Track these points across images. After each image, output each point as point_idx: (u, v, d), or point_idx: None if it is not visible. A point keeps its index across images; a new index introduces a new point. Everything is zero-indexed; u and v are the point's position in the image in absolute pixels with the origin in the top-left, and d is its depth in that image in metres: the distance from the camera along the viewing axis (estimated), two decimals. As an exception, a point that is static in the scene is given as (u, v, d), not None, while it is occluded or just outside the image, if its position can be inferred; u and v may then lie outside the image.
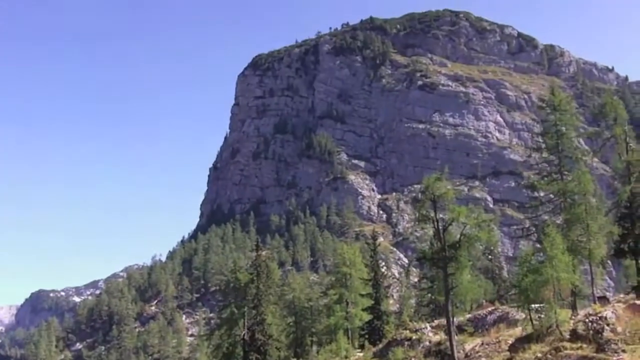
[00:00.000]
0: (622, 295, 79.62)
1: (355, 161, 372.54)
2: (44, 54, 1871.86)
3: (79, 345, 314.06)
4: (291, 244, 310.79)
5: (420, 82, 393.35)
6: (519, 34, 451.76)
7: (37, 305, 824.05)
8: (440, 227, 69.06)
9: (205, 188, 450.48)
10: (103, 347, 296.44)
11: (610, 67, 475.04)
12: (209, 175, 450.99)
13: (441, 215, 69.77)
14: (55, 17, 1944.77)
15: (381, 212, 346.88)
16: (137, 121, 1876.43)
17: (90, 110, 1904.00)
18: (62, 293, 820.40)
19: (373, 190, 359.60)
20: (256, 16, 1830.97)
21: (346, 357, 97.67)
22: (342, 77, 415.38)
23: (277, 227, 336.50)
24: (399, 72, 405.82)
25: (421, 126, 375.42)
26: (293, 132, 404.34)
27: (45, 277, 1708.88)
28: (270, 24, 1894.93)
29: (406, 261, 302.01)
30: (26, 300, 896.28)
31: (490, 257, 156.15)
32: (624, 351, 48.23)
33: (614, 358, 47.33)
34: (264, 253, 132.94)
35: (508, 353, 60.24)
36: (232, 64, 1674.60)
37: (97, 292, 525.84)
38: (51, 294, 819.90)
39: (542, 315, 59.05)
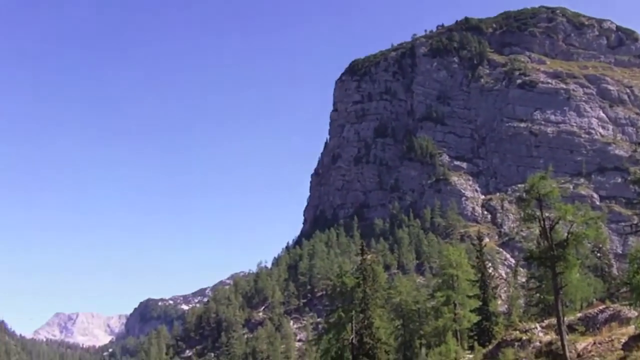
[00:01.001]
0: None
1: (457, 162, 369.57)
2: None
3: (188, 353, 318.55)
4: (396, 247, 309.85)
5: (519, 81, 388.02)
6: (618, 28, 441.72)
7: (146, 314, 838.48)
8: (547, 226, 68.50)
9: (308, 194, 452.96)
10: (212, 354, 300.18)
11: None
12: (311, 182, 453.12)
13: (547, 214, 69.19)
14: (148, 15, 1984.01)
15: (485, 212, 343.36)
16: (240, 131, 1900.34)
17: (191, 120, 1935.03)
18: (170, 301, 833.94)
19: (476, 191, 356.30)
20: (352, 22, 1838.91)
21: (455, 359, 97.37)
22: (439, 78, 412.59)
23: (381, 231, 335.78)
24: (497, 72, 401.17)
25: (522, 125, 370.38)
26: (393, 135, 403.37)
27: (153, 287, 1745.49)
28: (366, 29, 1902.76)
29: (513, 261, 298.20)
30: (135, 309, 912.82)
31: (599, 254, 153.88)
32: None
33: None
34: (369, 257, 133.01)
35: (622, 352, 59.44)
36: (330, 70, 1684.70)
37: (205, 299, 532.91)
38: (159, 303, 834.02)
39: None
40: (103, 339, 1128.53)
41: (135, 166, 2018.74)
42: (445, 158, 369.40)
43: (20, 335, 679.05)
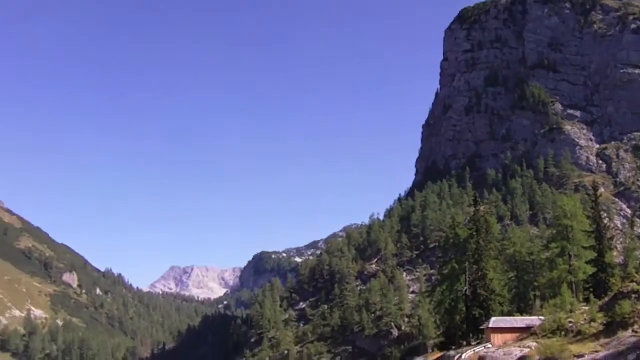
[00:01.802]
0: None
1: (571, 111, 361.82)
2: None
3: (302, 305, 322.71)
4: (509, 198, 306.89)
5: (633, 26, 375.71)
6: None
7: (260, 267, 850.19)
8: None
9: (420, 145, 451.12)
10: (326, 306, 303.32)
11: None
12: (422, 133, 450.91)
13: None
14: None
15: (600, 162, 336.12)
16: (352, 83, 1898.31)
17: (309, 72, 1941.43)
18: (284, 254, 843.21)
19: (591, 140, 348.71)
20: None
21: (571, 311, 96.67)
22: (551, 25, 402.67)
23: (494, 182, 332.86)
24: (611, 17, 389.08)
25: (637, 71, 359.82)
26: (505, 84, 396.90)
27: (267, 240, 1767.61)
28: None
29: (629, 212, 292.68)
30: (249, 262, 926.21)
31: None
32: None
33: None
34: (482, 208, 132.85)
35: None
36: (439, 20, 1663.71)
37: (318, 252, 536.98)
38: (273, 256, 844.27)
39: None
40: (218, 291, 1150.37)
41: (248, 121, 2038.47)
42: (559, 107, 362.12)
43: (138, 288, 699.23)
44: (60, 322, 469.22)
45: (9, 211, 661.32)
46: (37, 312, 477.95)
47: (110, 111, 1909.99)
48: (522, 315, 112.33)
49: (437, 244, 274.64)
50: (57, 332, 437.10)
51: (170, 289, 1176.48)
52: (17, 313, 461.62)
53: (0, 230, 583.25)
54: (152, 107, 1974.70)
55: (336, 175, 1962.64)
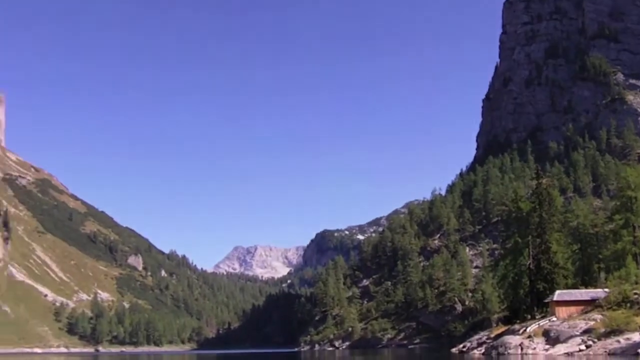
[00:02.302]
0: None
1: (633, 81, 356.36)
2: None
3: (365, 282, 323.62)
4: (571, 170, 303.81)
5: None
6: None
7: (322, 245, 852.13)
8: None
9: (480, 119, 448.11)
10: (389, 282, 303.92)
11: None
12: (482, 107, 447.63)
13: None
14: None
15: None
16: (410, 56, 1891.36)
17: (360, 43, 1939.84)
18: (346, 232, 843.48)
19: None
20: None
21: (636, 282, 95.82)
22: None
23: (556, 154, 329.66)
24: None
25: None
26: (565, 55, 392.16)
27: (329, 218, 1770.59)
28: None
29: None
30: (312, 240, 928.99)
31: None
32: None
33: None
34: (544, 181, 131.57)
35: None
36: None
37: (380, 229, 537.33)
38: (335, 234, 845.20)
39: None
40: (281, 270, 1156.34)
41: (306, 98, 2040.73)
42: (620, 77, 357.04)
43: (202, 269, 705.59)
44: (126, 304, 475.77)
45: (73, 196, 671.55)
46: (104, 295, 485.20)
47: (169, 91, 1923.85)
48: (586, 287, 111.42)
49: (499, 218, 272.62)
50: (124, 314, 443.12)
51: (234, 269, 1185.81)
52: (84, 296, 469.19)
53: (65, 215, 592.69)
54: (209, 84, 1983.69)
55: (397, 151, 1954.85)
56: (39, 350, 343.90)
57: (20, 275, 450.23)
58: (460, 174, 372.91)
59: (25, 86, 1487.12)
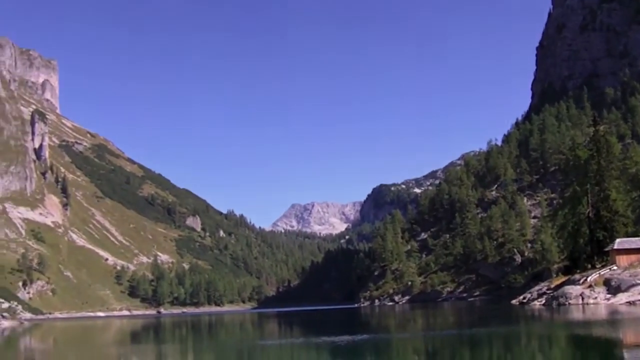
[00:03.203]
0: None
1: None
2: None
3: (423, 235, 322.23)
4: (629, 116, 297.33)
5: None
6: None
7: (379, 200, 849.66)
8: None
9: (534, 67, 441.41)
10: (447, 235, 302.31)
11: None
12: (536, 54, 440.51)
13: None
14: None
15: None
16: (461, 5, 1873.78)
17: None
18: (403, 186, 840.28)
19: None
20: None
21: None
22: None
23: (613, 100, 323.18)
24: None
25: None
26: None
27: (385, 172, 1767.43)
28: None
29: None
30: (369, 195, 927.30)
31: None
32: None
33: None
34: (602, 128, 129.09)
35: None
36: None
37: (437, 181, 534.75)
38: (392, 188, 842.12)
39: None
40: (339, 226, 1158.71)
41: (356, 58, 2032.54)
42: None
43: (260, 227, 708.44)
44: (186, 266, 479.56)
45: (130, 160, 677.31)
46: (164, 257, 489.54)
47: (221, 55, 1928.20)
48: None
49: (557, 167, 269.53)
50: (184, 275, 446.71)
51: (292, 226, 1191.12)
52: (144, 259, 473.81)
53: (122, 179, 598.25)
54: (256, 50, 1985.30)
55: (451, 102, 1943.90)
56: (101, 314, 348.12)
57: (80, 241, 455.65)
58: (516, 124, 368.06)
59: (78, 52, 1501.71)
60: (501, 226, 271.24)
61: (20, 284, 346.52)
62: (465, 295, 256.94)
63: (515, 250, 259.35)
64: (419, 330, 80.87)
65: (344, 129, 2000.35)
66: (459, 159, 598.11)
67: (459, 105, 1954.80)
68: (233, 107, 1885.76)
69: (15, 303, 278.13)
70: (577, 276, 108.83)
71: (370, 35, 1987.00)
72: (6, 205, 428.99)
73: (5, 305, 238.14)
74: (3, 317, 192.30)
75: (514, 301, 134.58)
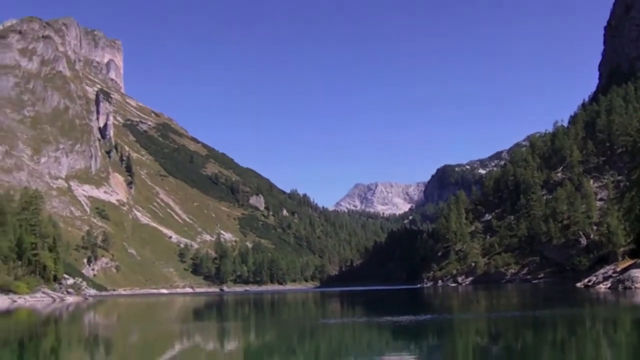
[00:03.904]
0: None
1: None
2: None
3: (487, 216, 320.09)
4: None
5: None
6: None
7: (443, 180, 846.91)
8: None
9: (602, 48, 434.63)
10: (512, 217, 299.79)
11: None
12: (604, 35, 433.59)
13: None
14: None
15: None
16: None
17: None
18: (467, 166, 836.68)
19: None
20: None
21: None
22: None
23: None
24: None
25: None
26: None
27: (450, 152, 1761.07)
28: None
29: None
30: (433, 176, 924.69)
31: None
32: None
33: None
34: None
35: None
36: None
37: (502, 162, 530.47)
38: (456, 169, 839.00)
39: None
40: (402, 207, 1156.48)
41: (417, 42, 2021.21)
42: None
43: (323, 207, 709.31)
44: (249, 244, 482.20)
45: (194, 139, 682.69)
46: (227, 235, 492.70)
47: (283, 38, 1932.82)
48: None
49: (624, 149, 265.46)
50: (247, 254, 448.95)
51: (355, 206, 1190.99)
52: (207, 237, 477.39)
53: (186, 158, 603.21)
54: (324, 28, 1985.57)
55: (517, 83, 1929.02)
56: (165, 291, 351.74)
57: (144, 219, 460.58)
58: (583, 105, 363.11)
59: (142, 33, 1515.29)
60: (566, 208, 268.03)
61: (85, 260, 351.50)
62: (529, 277, 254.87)
63: (581, 232, 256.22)
64: (482, 312, 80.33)
65: (408, 109, 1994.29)
66: (524, 140, 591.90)
67: (525, 86, 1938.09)
68: (296, 87, 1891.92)
69: (80, 279, 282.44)
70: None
71: (435, 17, 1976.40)
72: (71, 183, 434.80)
73: (71, 281, 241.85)
74: (68, 292, 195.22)
75: (578, 284, 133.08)
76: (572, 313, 65.78)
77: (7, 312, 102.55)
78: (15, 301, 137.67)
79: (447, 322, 64.15)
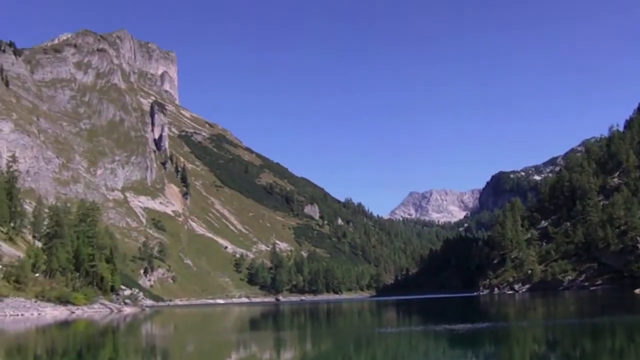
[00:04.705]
0: None
1: None
2: None
3: (543, 223, 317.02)
4: None
5: None
6: None
7: (498, 187, 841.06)
8: None
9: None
10: (568, 223, 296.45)
11: None
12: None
13: None
14: None
15: None
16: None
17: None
18: (522, 173, 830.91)
19: None
20: None
21: None
22: None
23: None
24: None
25: None
26: None
27: (504, 159, 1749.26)
28: None
29: None
30: (488, 183, 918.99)
31: None
32: None
33: None
34: None
35: None
36: None
37: (557, 168, 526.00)
38: (511, 175, 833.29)
39: None
40: (457, 214, 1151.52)
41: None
42: None
43: (378, 216, 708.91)
44: (304, 253, 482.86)
45: (248, 150, 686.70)
46: (282, 245, 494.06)
47: (333, 44, 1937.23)
48: None
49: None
50: (302, 263, 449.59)
51: (410, 214, 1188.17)
52: (262, 247, 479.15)
53: (241, 168, 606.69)
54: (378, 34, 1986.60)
55: (569, 88, 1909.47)
56: (221, 301, 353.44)
57: (200, 229, 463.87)
58: (639, 108, 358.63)
59: (195, 44, 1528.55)
60: (624, 213, 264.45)
61: (142, 271, 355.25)
62: (586, 284, 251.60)
63: (639, 238, 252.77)
64: (539, 319, 79.75)
65: (461, 116, 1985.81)
66: (579, 145, 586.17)
67: (579, 91, 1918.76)
68: (350, 96, 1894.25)
69: (137, 290, 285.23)
70: None
71: (492, 17, 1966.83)
72: (127, 194, 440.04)
73: (128, 292, 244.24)
74: (125, 303, 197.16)
75: (637, 290, 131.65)
76: (631, 320, 65.09)
77: (66, 323, 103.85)
78: (73, 312, 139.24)
79: (504, 330, 63.85)
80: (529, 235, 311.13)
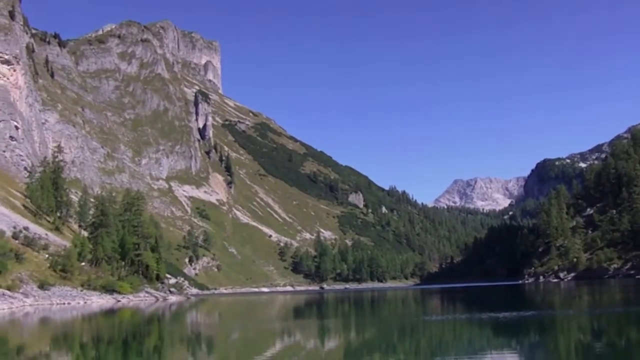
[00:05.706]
0: None
1: None
2: None
3: (589, 210, 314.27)
4: None
5: None
6: None
7: (543, 175, 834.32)
8: None
9: None
10: (614, 211, 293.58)
11: None
12: None
13: None
14: None
15: None
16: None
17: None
18: (567, 160, 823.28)
19: None
20: None
21: None
22: None
23: None
24: None
25: None
26: None
27: (549, 146, 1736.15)
28: None
29: None
30: (533, 170, 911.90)
31: None
32: None
33: None
34: None
35: None
36: None
37: (602, 155, 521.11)
38: (556, 162, 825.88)
39: None
40: (502, 202, 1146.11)
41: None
42: None
43: (422, 204, 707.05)
44: (348, 242, 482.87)
45: (292, 138, 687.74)
46: (326, 234, 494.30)
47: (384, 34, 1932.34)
48: None
49: None
50: (346, 252, 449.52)
51: (455, 202, 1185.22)
52: (307, 235, 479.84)
53: (285, 157, 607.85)
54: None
55: (616, 74, 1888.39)
56: (265, 289, 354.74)
57: (244, 218, 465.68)
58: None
59: (239, 34, 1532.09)
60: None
61: (187, 260, 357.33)
62: (632, 272, 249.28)
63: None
64: (585, 308, 79.21)
65: (505, 103, 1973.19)
66: (625, 132, 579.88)
67: (625, 76, 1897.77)
68: (395, 82, 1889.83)
69: (182, 278, 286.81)
70: None
71: (534, 6, 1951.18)
72: (172, 184, 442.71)
73: (173, 280, 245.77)
74: (170, 292, 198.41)
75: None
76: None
77: (111, 312, 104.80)
78: (119, 301, 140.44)
79: (549, 318, 63.49)
80: (575, 223, 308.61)
